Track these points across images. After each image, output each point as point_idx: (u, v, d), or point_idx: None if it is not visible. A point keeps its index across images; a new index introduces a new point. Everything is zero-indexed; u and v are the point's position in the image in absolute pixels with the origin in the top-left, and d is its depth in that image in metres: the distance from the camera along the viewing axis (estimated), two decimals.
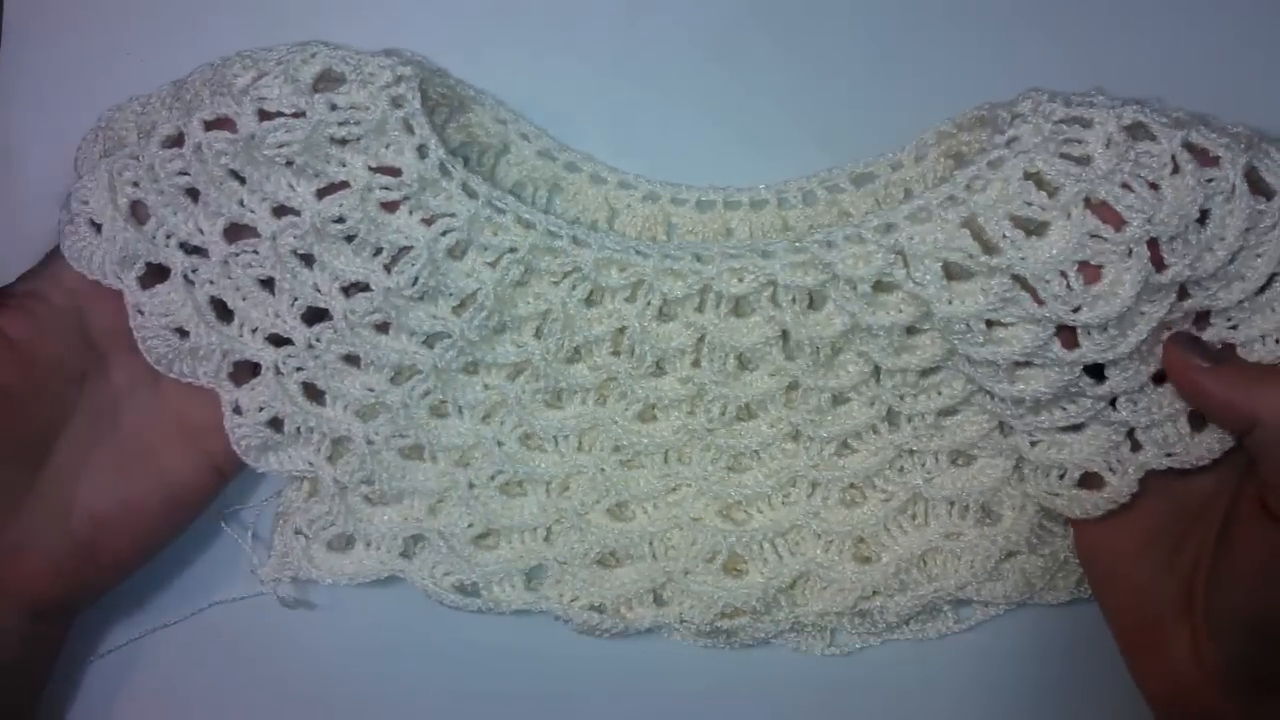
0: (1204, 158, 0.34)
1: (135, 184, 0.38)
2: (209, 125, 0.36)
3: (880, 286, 0.37)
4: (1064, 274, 0.34)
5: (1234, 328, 0.35)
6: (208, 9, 0.43)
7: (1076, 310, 0.34)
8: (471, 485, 0.40)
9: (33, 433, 0.38)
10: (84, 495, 0.38)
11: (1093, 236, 0.34)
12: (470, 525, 0.41)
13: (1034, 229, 0.34)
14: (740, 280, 0.37)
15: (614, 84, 0.42)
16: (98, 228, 0.38)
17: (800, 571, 0.41)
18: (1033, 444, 0.38)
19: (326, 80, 0.37)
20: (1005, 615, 0.42)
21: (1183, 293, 0.35)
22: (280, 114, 0.36)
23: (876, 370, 0.38)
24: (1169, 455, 0.36)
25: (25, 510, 0.38)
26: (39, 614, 0.38)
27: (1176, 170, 0.33)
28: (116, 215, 0.38)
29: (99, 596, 0.41)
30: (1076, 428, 0.37)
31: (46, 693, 0.41)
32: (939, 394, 0.38)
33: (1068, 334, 0.35)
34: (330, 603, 0.44)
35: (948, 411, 0.39)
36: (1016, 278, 0.34)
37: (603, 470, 0.40)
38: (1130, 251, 0.33)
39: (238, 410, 0.39)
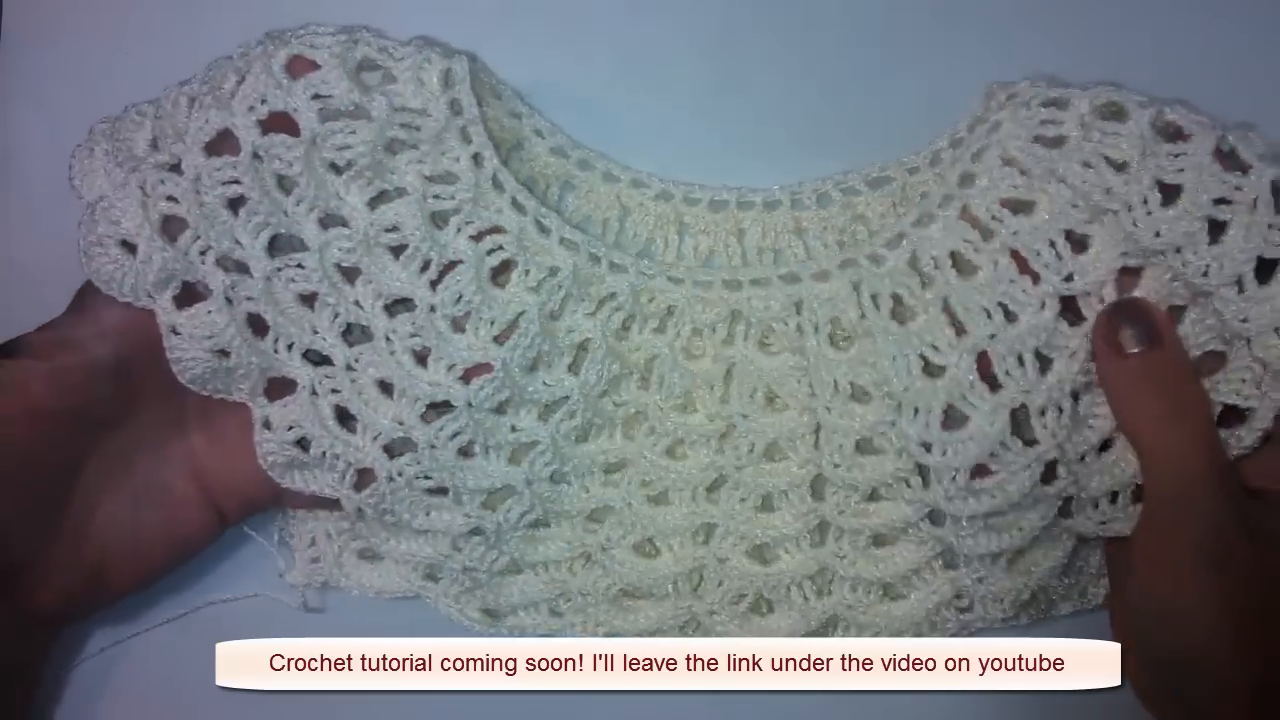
0: (1174, 133, 0.36)
1: (171, 198, 0.36)
2: (264, 125, 0.35)
3: (899, 301, 0.38)
4: (1052, 243, 0.36)
5: (1245, 320, 0.35)
6: (207, 9, 0.42)
7: (1069, 279, 0.36)
8: (499, 526, 0.39)
9: (47, 483, 0.37)
10: (97, 529, 0.38)
11: (1072, 205, 0.36)
12: (495, 560, 0.40)
13: (1022, 208, 0.37)
14: (767, 306, 0.38)
15: (626, 83, 0.42)
16: (130, 249, 0.36)
17: (829, 614, 0.40)
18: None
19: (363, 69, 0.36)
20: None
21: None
22: (338, 112, 0.35)
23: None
24: None
25: (47, 547, 0.37)
26: (37, 624, 0.38)
27: (1144, 150, 0.35)
28: (153, 234, 0.36)
29: (95, 612, 0.41)
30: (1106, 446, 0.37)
31: (37, 691, 0.41)
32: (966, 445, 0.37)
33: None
34: (326, 602, 0.43)
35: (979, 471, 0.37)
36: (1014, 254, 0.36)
37: (630, 505, 0.40)
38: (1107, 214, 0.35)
39: (267, 425, 0.38)
